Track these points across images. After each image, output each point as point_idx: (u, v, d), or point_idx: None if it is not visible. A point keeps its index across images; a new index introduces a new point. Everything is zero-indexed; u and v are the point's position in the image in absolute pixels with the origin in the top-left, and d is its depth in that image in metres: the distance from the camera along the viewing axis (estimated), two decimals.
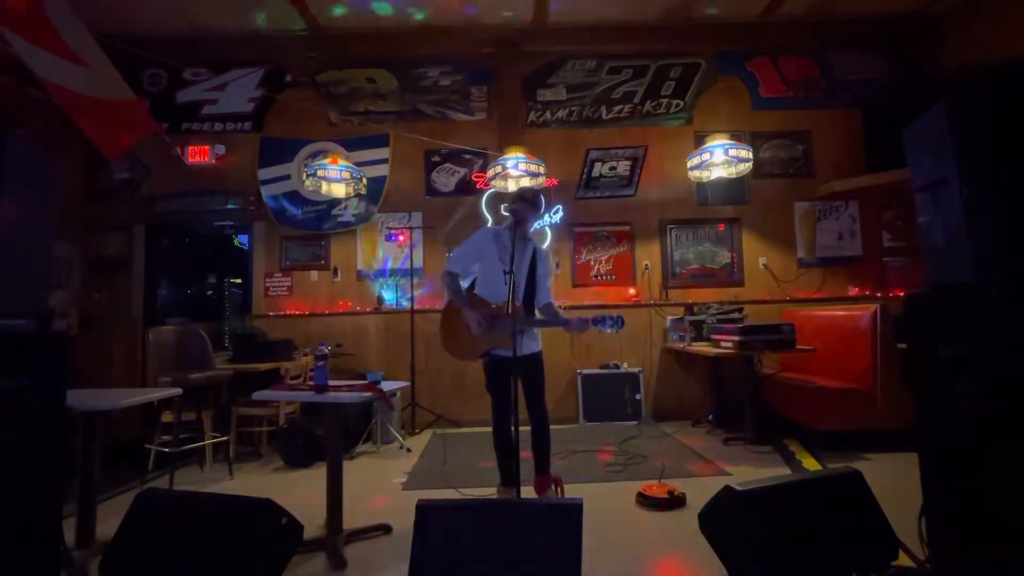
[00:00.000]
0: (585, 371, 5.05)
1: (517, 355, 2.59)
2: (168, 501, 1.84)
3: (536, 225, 3.25)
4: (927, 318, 1.89)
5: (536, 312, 2.87)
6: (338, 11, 4.91)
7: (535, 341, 2.86)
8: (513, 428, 2.36)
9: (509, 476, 2.81)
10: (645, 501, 2.86)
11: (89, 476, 2.43)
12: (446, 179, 5.37)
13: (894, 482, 2.75)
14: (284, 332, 4.88)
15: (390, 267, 5.27)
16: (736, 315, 4.71)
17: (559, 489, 2.85)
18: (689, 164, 4.90)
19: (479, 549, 1.53)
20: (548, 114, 5.42)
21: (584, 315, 2.71)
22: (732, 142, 4.61)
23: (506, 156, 4.67)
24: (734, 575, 1.64)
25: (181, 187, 5.18)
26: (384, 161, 5.32)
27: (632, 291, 5.26)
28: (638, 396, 4.99)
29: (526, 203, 2.81)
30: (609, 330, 2.58)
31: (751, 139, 5.29)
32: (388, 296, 5.21)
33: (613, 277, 5.30)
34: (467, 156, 5.35)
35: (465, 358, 2.92)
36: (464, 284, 2.96)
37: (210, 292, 6.25)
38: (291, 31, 5.19)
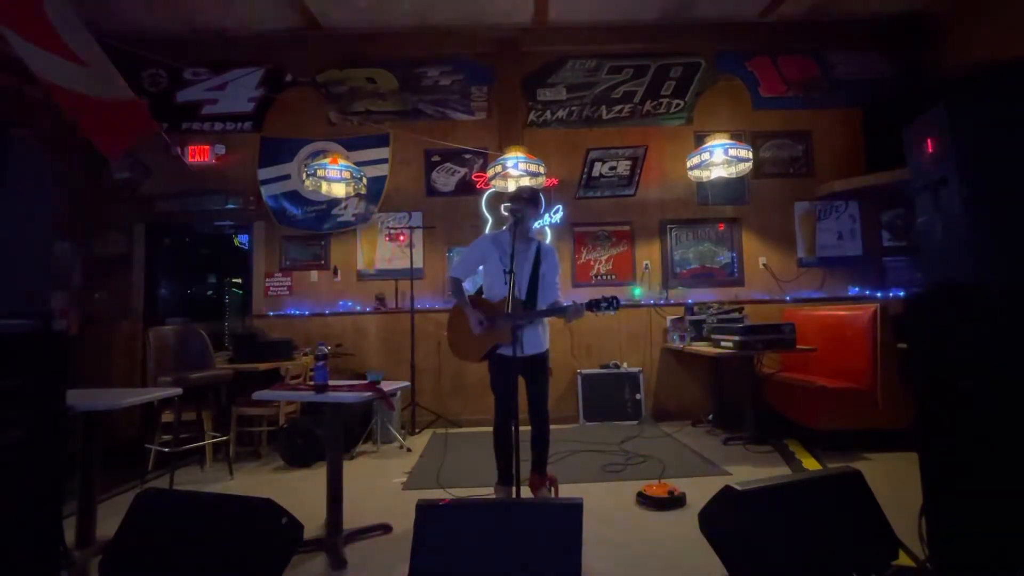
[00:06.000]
0: (585, 371, 5.05)
1: (523, 353, 2.65)
2: (168, 501, 1.84)
3: (536, 224, 3.25)
4: (927, 318, 1.89)
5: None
6: (338, 14, 4.92)
7: (540, 340, 2.86)
8: (513, 428, 2.37)
9: (508, 475, 2.81)
10: (645, 501, 2.86)
11: (89, 476, 2.43)
12: (446, 179, 5.37)
13: (894, 482, 2.76)
14: (284, 332, 4.88)
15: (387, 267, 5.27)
16: (736, 315, 4.71)
17: (554, 488, 2.85)
18: (689, 164, 4.90)
19: (479, 549, 1.53)
20: (548, 114, 5.42)
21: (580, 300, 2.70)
22: (732, 142, 4.62)
23: (506, 156, 4.67)
24: (734, 575, 1.64)
25: (181, 187, 5.18)
26: (384, 161, 5.32)
27: (639, 291, 5.25)
28: (638, 396, 4.99)
29: (524, 201, 2.82)
30: (605, 312, 2.58)
31: (751, 139, 5.29)
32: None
33: (613, 277, 5.30)
34: (467, 156, 5.36)
35: (469, 359, 2.94)
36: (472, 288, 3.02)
37: (210, 292, 6.25)
38: (291, 31, 5.19)
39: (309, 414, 4.19)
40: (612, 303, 2.56)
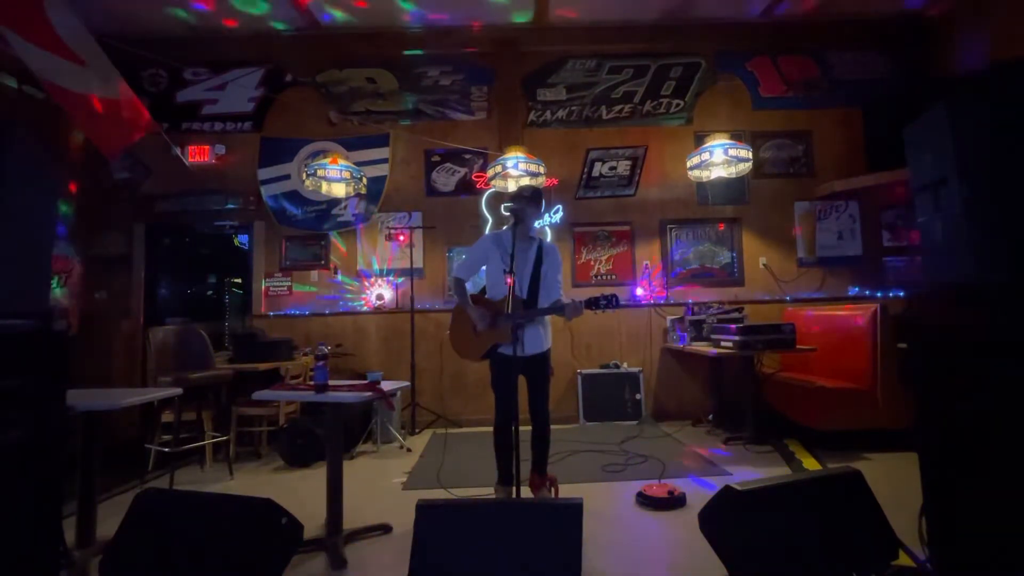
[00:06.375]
0: (585, 371, 5.05)
1: (524, 352, 2.66)
2: (168, 501, 1.84)
3: (537, 224, 3.24)
4: (927, 318, 1.89)
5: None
6: (338, 13, 4.93)
7: (542, 340, 2.86)
8: (514, 427, 2.37)
9: (508, 475, 2.81)
10: (645, 501, 2.86)
11: (89, 476, 2.43)
12: (446, 179, 5.37)
13: (894, 482, 2.75)
14: (284, 332, 4.88)
15: (386, 267, 5.27)
16: (736, 315, 4.71)
17: (554, 489, 2.85)
18: (689, 164, 4.90)
19: (479, 549, 1.53)
20: (548, 114, 5.42)
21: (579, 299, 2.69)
22: (732, 142, 4.62)
23: (506, 156, 4.67)
24: (734, 575, 1.64)
25: (181, 187, 5.18)
26: (384, 161, 5.32)
27: (640, 291, 5.26)
28: (638, 396, 4.98)
29: (525, 200, 2.82)
30: (604, 310, 2.58)
31: (751, 139, 5.29)
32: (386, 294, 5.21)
33: (613, 277, 5.30)
34: (467, 156, 5.36)
35: (470, 357, 2.94)
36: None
37: (210, 292, 6.25)
38: (291, 31, 5.19)
39: (309, 414, 4.19)
40: (611, 301, 2.56)
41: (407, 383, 3.32)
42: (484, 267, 2.99)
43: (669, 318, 5.12)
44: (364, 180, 4.95)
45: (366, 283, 5.26)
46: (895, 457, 3.54)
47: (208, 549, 1.60)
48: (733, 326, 4.13)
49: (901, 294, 5.09)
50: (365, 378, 3.93)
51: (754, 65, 5.47)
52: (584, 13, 5.11)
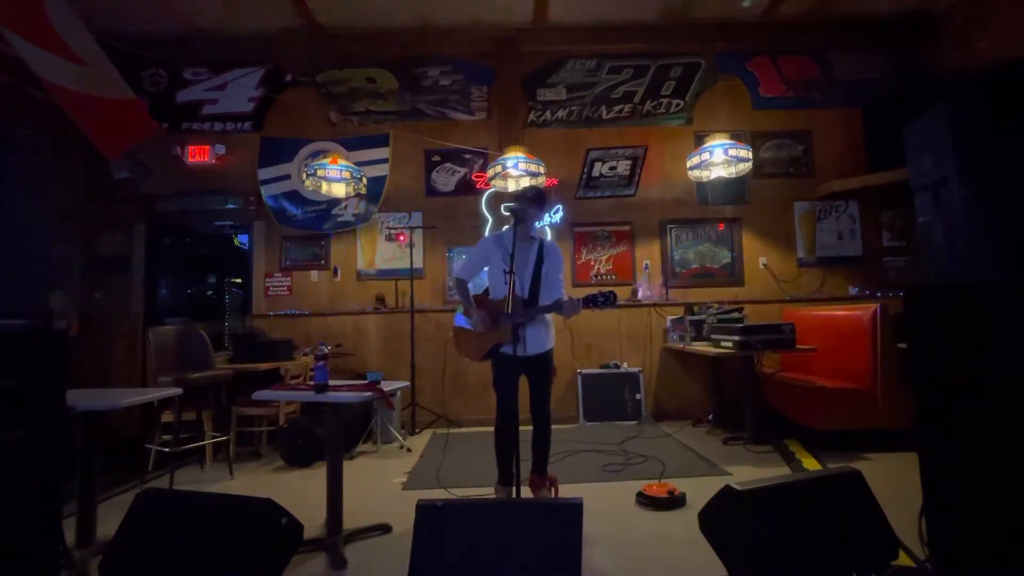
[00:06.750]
0: (585, 371, 5.04)
1: (525, 352, 2.65)
2: (168, 501, 1.84)
3: (538, 223, 3.24)
4: (927, 318, 1.89)
5: None
6: (337, 12, 4.92)
7: (544, 339, 2.85)
8: (514, 427, 2.37)
9: (508, 475, 2.81)
10: (645, 501, 2.86)
11: (89, 476, 2.43)
12: (446, 179, 5.37)
13: (894, 482, 2.75)
14: (284, 332, 4.88)
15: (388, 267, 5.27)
16: (736, 315, 4.71)
17: (554, 489, 2.85)
18: (689, 164, 4.90)
19: (479, 549, 1.53)
20: (548, 114, 5.42)
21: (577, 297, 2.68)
22: (732, 142, 4.62)
23: (506, 156, 4.67)
24: (734, 575, 1.64)
25: (181, 187, 5.18)
26: (384, 161, 5.32)
27: (640, 290, 5.25)
28: (638, 396, 4.98)
29: (528, 200, 2.82)
30: (602, 308, 2.57)
31: (751, 139, 5.29)
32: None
33: (613, 277, 5.30)
34: (467, 156, 5.36)
35: (472, 357, 2.94)
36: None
37: (210, 292, 6.25)
38: (291, 31, 5.19)
39: (309, 414, 4.19)
40: (609, 298, 2.55)
41: (407, 383, 3.32)
42: (486, 268, 3.00)
43: (669, 318, 5.12)
44: (364, 180, 4.95)
45: (366, 283, 5.25)
46: (895, 457, 3.54)
47: (208, 549, 1.60)
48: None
49: (901, 294, 5.08)
50: (365, 378, 3.92)
51: (754, 65, 5.46)
52: (584, 13, 5.10)
